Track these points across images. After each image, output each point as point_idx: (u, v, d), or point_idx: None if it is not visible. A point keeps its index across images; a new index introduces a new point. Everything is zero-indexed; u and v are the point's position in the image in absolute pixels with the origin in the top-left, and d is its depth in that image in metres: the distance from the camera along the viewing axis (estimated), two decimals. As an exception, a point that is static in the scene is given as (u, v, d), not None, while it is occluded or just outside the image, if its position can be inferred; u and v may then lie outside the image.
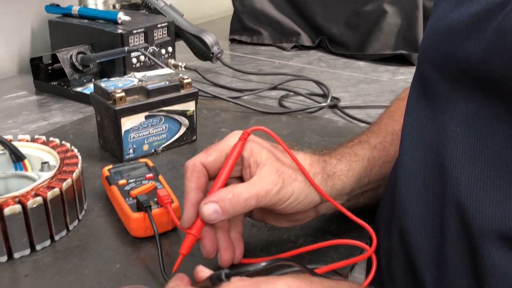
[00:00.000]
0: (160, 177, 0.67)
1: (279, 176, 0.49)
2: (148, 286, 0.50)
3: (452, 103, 0.44)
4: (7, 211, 0.53)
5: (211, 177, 0.50)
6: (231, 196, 0.47)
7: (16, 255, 0.56)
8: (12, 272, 0.54)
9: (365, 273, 0.54)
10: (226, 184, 0.50)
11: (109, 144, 0.80)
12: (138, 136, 0.78)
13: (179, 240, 0.59)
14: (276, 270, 0.44)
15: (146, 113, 0.78)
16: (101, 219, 0.64)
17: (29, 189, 0.57)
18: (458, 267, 0.41)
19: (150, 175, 0.67)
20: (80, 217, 0.64)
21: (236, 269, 0.35)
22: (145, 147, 0.80)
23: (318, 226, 0.63)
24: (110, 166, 0.69)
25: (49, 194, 0.56)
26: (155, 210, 0.59)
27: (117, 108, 0.74)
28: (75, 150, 0.66)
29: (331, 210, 0.58)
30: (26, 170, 0.66)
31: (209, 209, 0.47)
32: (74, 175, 0.61)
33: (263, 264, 0.36)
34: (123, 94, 0.75)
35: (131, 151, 0.78)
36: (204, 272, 0.44)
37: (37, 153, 0.67)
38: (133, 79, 0.81)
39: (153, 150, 0.81)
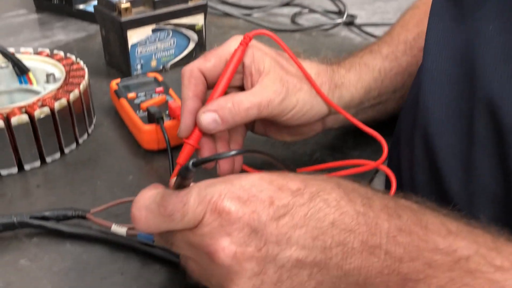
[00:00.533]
0: (171, 90, 0.64)
1: (282, 85, 0.46)
2: None
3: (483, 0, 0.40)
4: (14, 121, 0.51)
5: (210, 85, 0.47)
6: (231, 105, 0.44)
7: (27, 167, 0.55)
8: (24, 183, 0.53)
9: (384, 186, 0.53)
10: (226, 93, 0.46)
11: (116, 60, 0.77)
12: (146, 51, 0.75)
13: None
14: None
15: (153, 26, 0.74)
16: (111, 133, 0.62)
17: (35, 100, 0.55)
18: (486, 169, 0.39)
19: (160, 88, 0.64)
20: (90, 131, 0.62)
21: (204, 158, 0.31)
22: (153, 63, 0.77)
23: (335, 141, 0.61)
24: (118, 80, 0.66)
25: (57, 105, 0.54)
26: (167, 122, 0.57)
27: (123, 19, 0.70)
28: (81, 63, 0.63)
29: (339, 123, 0.55)
30: (31, 83, 0.64)
31: (207, 118, 0.44)
32: (82, 86, 0.58)
33: (233, 152, 0.33)
34: (128, 4, 0.70)
35: (138, 66, 0.75)
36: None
37: (42, 66, 0.64)
38: (138, -11, 0.76)
39: (161, 67, 0.78)
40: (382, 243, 0.33)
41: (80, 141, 0.60)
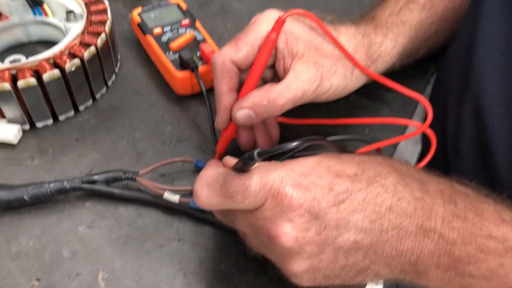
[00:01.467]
0: (198, 23, 0.60)
1: (317, 71, 0.44)
2: (196, 157, 0.49)
3: None
4: (46, 77, 0.49)
5: (243, 71, 0.45)
6: (266, 103, 0.43)
7: (61, 118, 0.54)
8: (61, 136, 0.53)
9: (420, 153, 0.53)
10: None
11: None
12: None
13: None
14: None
15: None
16: (138, 71, 0.60)
17: (62, 48, 0.51)
18: None
19: (186, 21, 0.60)
20: (117, 70, 0.59)
21: (267, 149, 0.33)
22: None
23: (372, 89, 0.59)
24: (139, 10, 0.61)
25: (86, 54, 0.51)
26: (201, 68, 0.55)
27: None
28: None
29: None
30: (46, 15, 0.60)
31: (243, 114, 0.44)
32: (107, 28, 0.54)
33: (294, 144, 0.34)
34: None
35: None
36: (231, 160, 0.41)
37: (57, -2, 0.58)
38: None
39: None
40: (437, 227, 0.35)
41: (109, 83, 0.58)
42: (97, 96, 0.56)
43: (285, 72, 0.44)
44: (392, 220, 0.35)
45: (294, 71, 0.43)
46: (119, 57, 0.60)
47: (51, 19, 0.60)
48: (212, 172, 0.37)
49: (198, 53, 0.56)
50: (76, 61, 0.50)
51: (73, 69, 0.50)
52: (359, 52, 0.47)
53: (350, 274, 0.36)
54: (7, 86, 0.48)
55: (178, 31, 0.59)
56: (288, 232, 0.34)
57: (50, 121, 0.53)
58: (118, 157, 0.51)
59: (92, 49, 0.52)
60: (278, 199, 0.34)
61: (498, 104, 0.42)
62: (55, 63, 0.50)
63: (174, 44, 0.57)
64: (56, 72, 0.49)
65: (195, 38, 0.58)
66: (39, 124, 0.53)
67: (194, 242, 0.45)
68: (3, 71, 0.48)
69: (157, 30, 0.59)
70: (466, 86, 0.44)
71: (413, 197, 0.35)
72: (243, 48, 0.43)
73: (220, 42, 0.57)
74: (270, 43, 0.42)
